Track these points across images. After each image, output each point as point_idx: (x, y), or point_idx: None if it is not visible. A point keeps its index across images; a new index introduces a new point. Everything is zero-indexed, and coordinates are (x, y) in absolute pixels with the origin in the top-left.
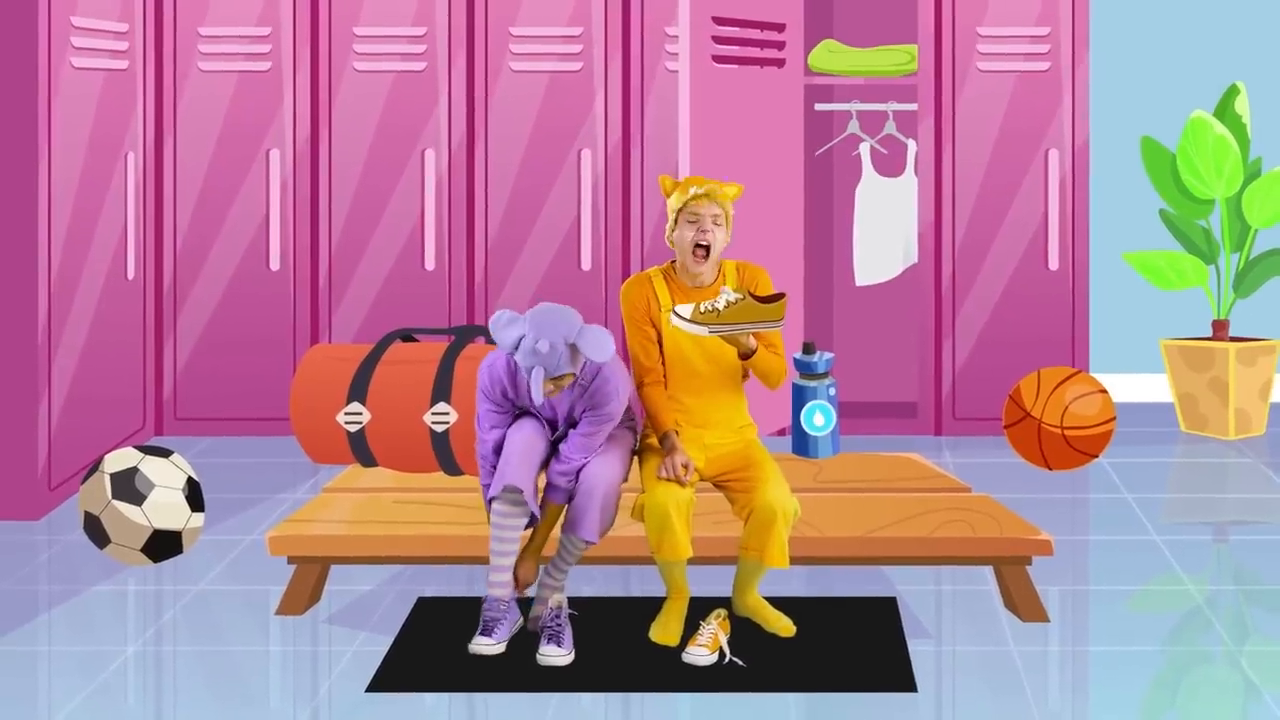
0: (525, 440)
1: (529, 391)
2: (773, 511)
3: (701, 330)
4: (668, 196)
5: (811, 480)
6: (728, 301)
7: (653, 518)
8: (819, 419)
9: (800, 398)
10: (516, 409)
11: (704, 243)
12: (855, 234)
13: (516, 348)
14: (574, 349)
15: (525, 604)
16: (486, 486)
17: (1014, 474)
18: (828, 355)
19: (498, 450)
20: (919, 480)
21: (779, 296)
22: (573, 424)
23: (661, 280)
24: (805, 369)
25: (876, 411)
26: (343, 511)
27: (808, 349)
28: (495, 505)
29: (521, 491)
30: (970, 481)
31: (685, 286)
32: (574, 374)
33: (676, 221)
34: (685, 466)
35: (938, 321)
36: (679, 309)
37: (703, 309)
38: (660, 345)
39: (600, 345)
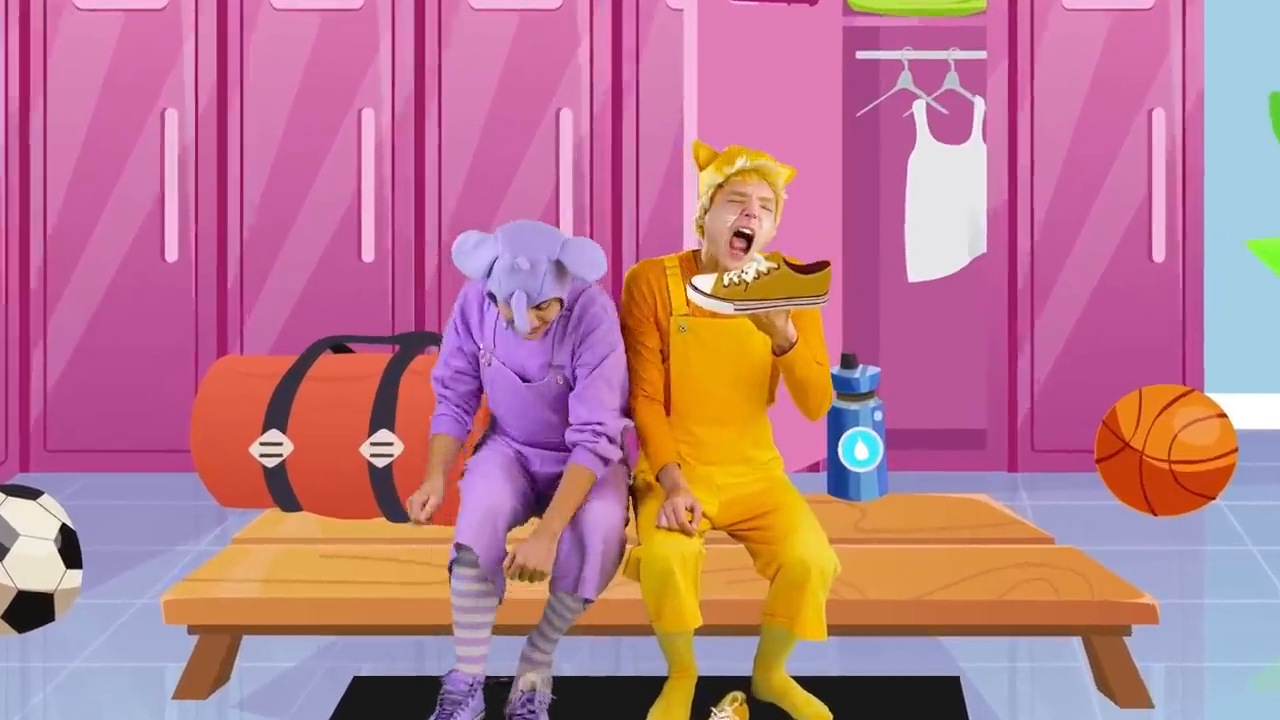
0: (492, 494)
1: (495, 333)
2: (805, 568)
3: (725, 307)
4: (702, 169)
5: (852, 529)
6: (758, 272)
7: (652, 576)
8: (862, 450)
9: (838, 424)
10: (478, 367)
11: (747, 230)
12: (908, 216)
13: (489, 275)
14: (559, 267)
15: (491, 694)
16: (438, 416)
17: (1108, 520)
18: (872, 370)
19: (444, 384)
20: (987, 528)
21: (821, 265)
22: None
23: (678, 274)
24: (845, 388)
25: (934, 441)
26: (257, 568)
27: (848, 362)
28: (457, 572)
29: (478, 558)
30: (1053, 530)
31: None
32: (561, 300)
33: (713, 200)
34: (690, 509)
35: (1012, 327)
36: (697, 281)
37: (727, 281)
38: (664, 356)
39: (591, 260)
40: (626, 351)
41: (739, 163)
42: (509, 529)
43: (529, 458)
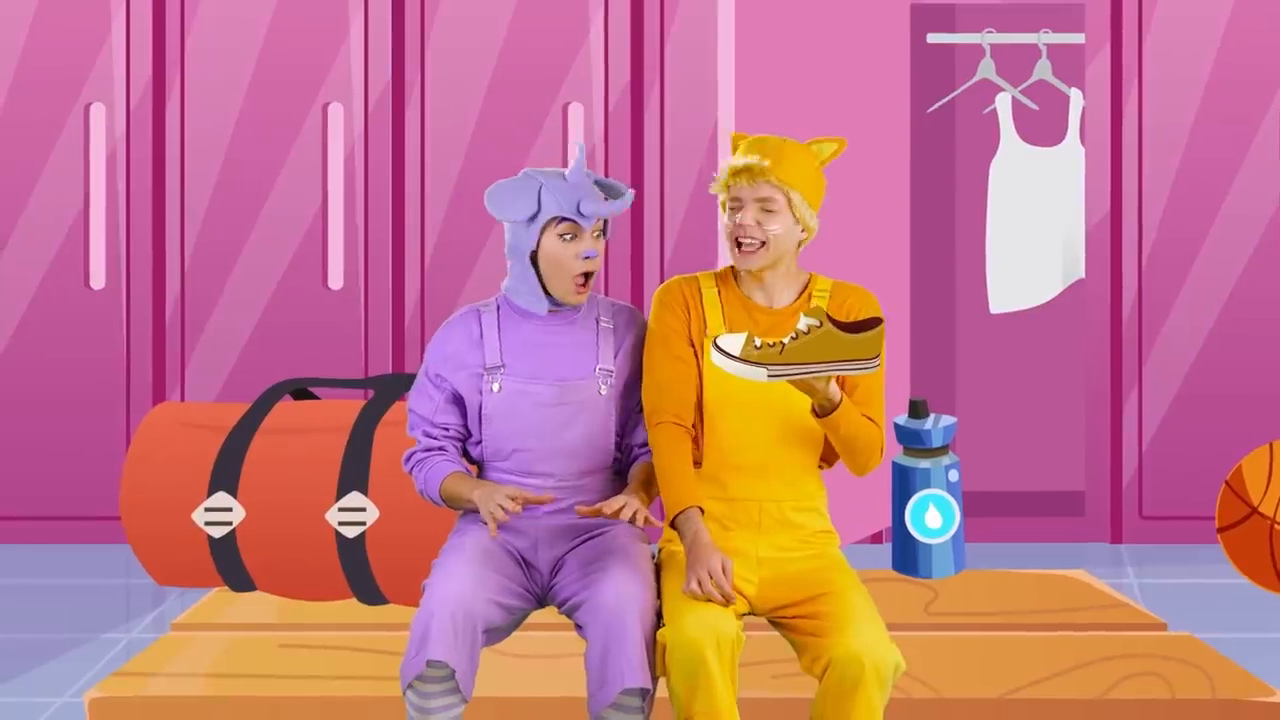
0: (465, 593)
1: (503, 348)
2: (859, 666)
3: (757, 373)
4: None
5: (922, 612)
6: (797, 331)
7: (681, 664)
8: (934, 518)
9: (905, 485)
10: (465, 420)
11: (743, 239)
12: (989, 234)
13: (537, 207)
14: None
15: None
16: (436, 464)
17: (1232, 602)
18: (946, 421)
19: (429, 433)
20: (1086, 612)
21: (873, 323)
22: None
23: (714, 292)
24: (913, 442)
25: (1021, 506)
26: (201, 660)
27: (917, 411)
28: (421, 690)
29: (453, 670)
30: (1165, 614)
31: (748, 302)
32: (604, 236)
33: (724, 205)
34: (725, 569)
35: (1116, 369)
36: (722, 341)
37: (759, 344)
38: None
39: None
40: (654, 365)
41: (724, 164)
42: (488, 636)
43: (531, 537)
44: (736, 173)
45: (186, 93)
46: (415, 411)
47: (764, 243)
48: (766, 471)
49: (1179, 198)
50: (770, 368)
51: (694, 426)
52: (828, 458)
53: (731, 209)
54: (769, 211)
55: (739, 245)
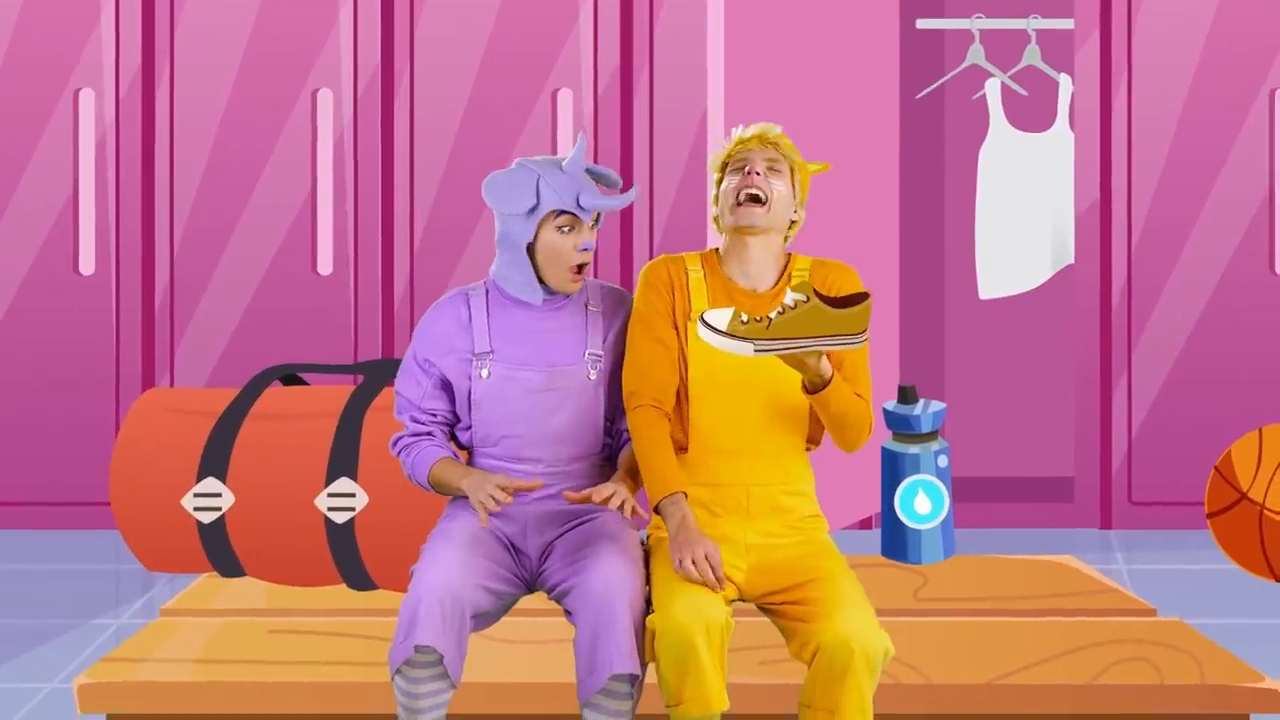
0: (453, 579)
1: (492, 333)
2: (849, 651)
3: (744, 348)
4: None
5: (911, 598)
6: (784, 306)
7: (670, 650)
8: (923, 503)
9: (895, 471)
10: (454, 405)
11: (751, 191)
12: (978, 220)
13: (536, 199)
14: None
15: None
16: (423, 448)
17: (1222, 588)
18: (936, 406)
19: (416, 418)
20: (1075, 597)
21: (859, 298)
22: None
23: (700, 274)
24: (902, 427)
25: (1010, 492)
26: (190, 645)
27: (906, 396)
28: (409, 675)
29: (441, 655)
30: (1155, 600)
31: (730, 285)
32: (597, 218)
33: (721, 180)
34: (713, 557)
35: (1105, 354)
36: (709, 316)
37: (745, 318)
38: (681, 364)
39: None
40: (635, 347)
41: (734, 133)
42: (476, 622)
43: (520, 522)
44: (746, 140)
45: (176, 79)
46: (402, 395)
47: (767, 201)
48: (751, 454)
49: (1168, 183)
50: (756, 342)
51: (675, 410)
52: (814, 437)
53: (735, 170)
54: (776, 171)
55: (739, 203)
